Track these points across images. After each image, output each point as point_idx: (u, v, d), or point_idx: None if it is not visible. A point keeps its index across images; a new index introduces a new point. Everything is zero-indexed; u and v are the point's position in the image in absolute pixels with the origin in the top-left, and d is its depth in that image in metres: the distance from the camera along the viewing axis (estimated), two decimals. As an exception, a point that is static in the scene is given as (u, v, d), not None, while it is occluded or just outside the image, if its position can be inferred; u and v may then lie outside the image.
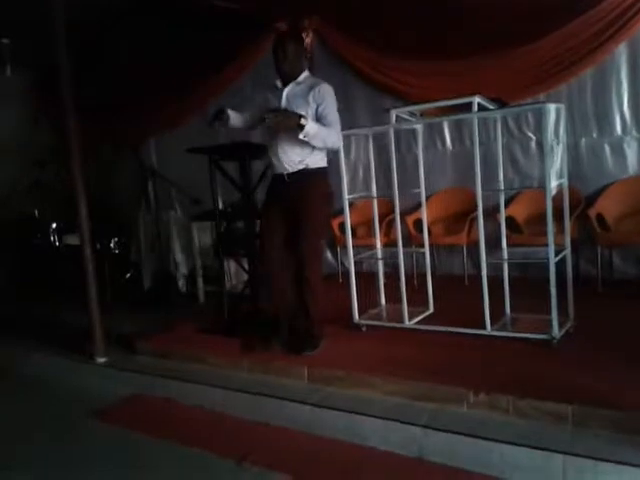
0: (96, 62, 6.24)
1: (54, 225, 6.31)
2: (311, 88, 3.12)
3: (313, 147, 3.11)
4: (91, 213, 3.86)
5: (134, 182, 6.38)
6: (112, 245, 5.95)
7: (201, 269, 5.34)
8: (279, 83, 3.24)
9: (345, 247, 5.40)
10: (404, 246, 3.57)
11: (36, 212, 6.55)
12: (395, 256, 3.56)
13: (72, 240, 6.08)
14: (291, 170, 3.17)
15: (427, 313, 3.61)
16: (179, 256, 5.52)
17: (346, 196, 3.54)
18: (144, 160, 6.62)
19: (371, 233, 4.26)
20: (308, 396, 2.89)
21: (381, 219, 4.27)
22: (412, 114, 3.57)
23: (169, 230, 5.56)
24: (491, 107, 3.22)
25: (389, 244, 4.21)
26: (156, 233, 5.54)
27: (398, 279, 3.52)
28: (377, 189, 3.78)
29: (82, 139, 3.85)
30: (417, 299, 3.70)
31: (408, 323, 3.42)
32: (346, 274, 5.35)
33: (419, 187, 3.68)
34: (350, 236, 3.64)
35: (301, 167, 3.15)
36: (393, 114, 3.39)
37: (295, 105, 3.10)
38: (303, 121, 2.96)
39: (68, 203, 5.95)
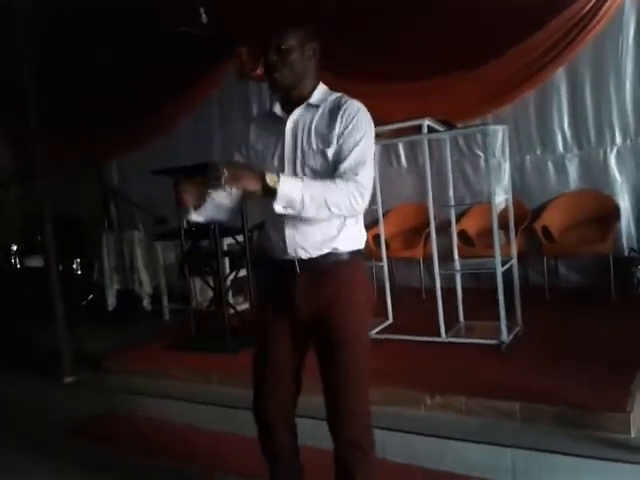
0: (57, 78, 6.26)
1: (14, 247, 6.28)
2: (334, 111, 1.77)
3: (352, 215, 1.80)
4: (54, 234, 3.92)
5: (96, 202, 6.41)
6: (74, 266, 5.96)
7: (166, 287, 5.41)
8: (278, 108, 1.87)
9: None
10: (364, 260, 3.75)
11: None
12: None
13: (33, 262, 6.07)
14: (306, 256, 1.82)
15: (387, 323, 3.80)
16: (143, 275, 5.57)
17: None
18: (105, 180, 6.67)
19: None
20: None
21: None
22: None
23: (133, 249, 5.61)
24: (440, 129, 3.46)
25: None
26: (120, 252, 5.61)
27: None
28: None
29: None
30: (377, 310, 3.87)
31: (369, 333, 3.59)
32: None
33: (377, 204, 3.88)
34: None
35: (326, 251, 1.82)
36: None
37: (310, 143, 1.77)
38: (269, 179, 1.61)
39: (29, 224, 5.98)
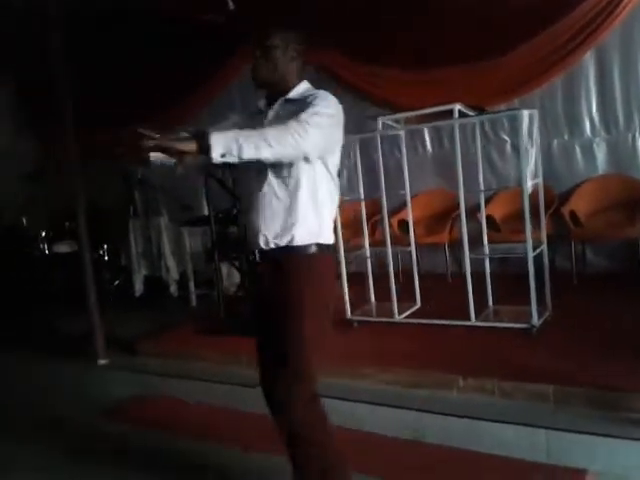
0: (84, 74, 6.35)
1: (43, 234, 6.39)
2: (305, 99, 1.87)
3: (316, 209, 1.89)
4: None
5: (122, 189, 6.49)
6: (103, 252, 6.06)
7: (192, 273, 5.49)
8: (262, 103, 2.02)
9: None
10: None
11: (24, 221, 6.61)
12: (382, 255, 3.77)
13: (61, 248, 6.18)
14: (266, 246, 1.91)
15: (415, 308, 3.83)
16: (170, 261, 5.65)
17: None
18: (130, 168, 6.74)
19: (356, 234, 4.45)
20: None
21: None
22: (396, 121, 3.80)
23: (160, 236, 5.68)
24: (470, 114, 3.46)
25: (373, 244, 4.41)
26: (147, 239, 5.70)
27: (384, 278, 3.73)
28: (360, 192, 3.99)
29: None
30: (404, 295, 3.91)
31: (398, 317, 3.63)
32: (336, 275, 5.59)
33: (402, 189, 3.90)
34: (341, 236, 3.83)
35: (284, 243, 1.89)
36: (380, 121, 3.60)
37: None
38: (201, 137, 1.65)
39: (58, 212, 6.08)
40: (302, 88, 1.95)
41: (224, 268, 5.15)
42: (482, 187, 3.61)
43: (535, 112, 3.46)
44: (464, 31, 4.38)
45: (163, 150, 1.68)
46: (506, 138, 4.90)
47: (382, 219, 3.72)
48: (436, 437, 2.59)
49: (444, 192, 4.93)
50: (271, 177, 1.87)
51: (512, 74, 4.59)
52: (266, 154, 1.69)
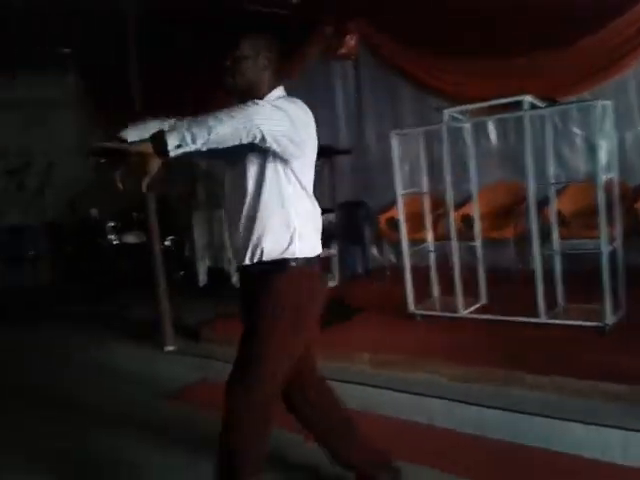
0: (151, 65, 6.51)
1: (112, 225, 6.65)
2: None
3: (283, 220, 1.87)
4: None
5: (185, 182, 6.66)
6: (168, 243, 6.25)
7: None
8: None
9: (392, 243, 5.66)
10: (449, 241, 3.74)
11: (95, 213, 6.90)
12: (444, 249, 3.73)
13: (130, 239, 6.42)
14: (241, 262, 1.93)
15: (480, 303, 3.77)
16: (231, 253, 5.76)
17: (400, 192, 3.73)
18: (194, 161, 6.92)
19: (416, 228, 4.42)
20: (371, 379, 3.09)
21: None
22: (461, 113, 3.74)
23: (222, 228, 5.81)
24: (540, 105, 3.36)
25: (436, 239, 4.36)
26: (210, 231, 5.84)
27: (445, 273, 3.69)
28: (425, 185, 3.95)
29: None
30: (467, 291, 3.85)
31: (462, 313, 3.59)
32: (393, 269, 5.58)
33: (464, 183, 3.84)
34: (404, 230, 3.81)
35: (256, 258, 1.88)
36: (446, 114, 3.56)
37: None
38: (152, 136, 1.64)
39: (126, 204, 6.31)
40: (274, 96, 1.90)
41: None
42: (552, 180, 3.50)
43: (609, 103, 3.34)
44: (533, 20, 4.25)
45: (119, 156, 1.65)
46: (576, 131, 4.74)
47: (446, 213, 3.67)
48: (500, 433, 2.55)
49: (509, 186, 4.82)
50: (240, 185, 1.86)
51: (582, 65, 4.43)
52: (219, 130, 1.62)
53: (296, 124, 1.79)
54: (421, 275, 4.01)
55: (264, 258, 1.87)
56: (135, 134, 1.80)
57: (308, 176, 1.94)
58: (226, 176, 1.98)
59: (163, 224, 6.25)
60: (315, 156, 1.97)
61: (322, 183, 4.26)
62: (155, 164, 1.62)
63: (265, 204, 1.85)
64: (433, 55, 5.03)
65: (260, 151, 1.80)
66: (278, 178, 1.85)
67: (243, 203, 1.87)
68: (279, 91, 1.95)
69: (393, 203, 5.06)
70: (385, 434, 2.71)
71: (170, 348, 4.07)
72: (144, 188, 1.68)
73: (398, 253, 5.31)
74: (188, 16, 5.82)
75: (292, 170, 1.86)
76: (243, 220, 1.88)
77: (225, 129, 1.64)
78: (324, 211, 4.42)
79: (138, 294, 5.21)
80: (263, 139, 1.72)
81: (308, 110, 1.89)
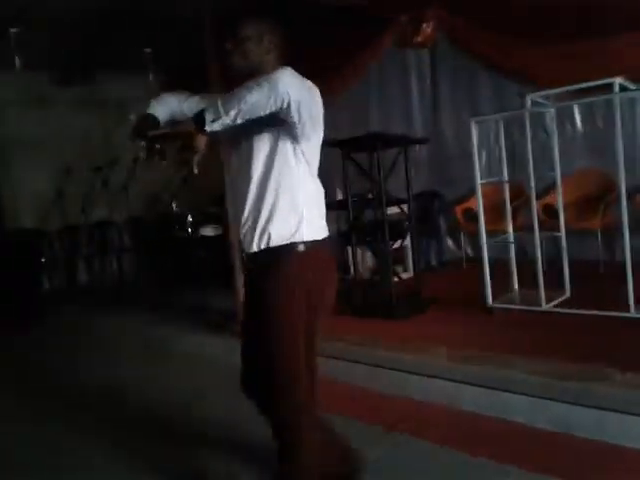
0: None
1: (190, 218, 6.87)
2: None
3: (290, 200, 1.83)
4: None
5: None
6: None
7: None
8: None
9: (468, 233, 5.53)
10: (529, 232, 3.60)
11: (174, 206, 7.16)
12: (524, 240, 3.59)
13: (207, 232, 6.62)
14: (249, 249, 1.87)
15: (563, 297, 3.61)
16: (306, 245, 5.80)
17: (479, 181, 3.62)
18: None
19: (495, 219, 4.28)
20: (449, 373, 3.03)
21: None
22: (545, 97, 3.58)
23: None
24: (632, 88, 3.16)
25: (515, 231, 4.22)
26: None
27: (525, 265, 3.55)
28: (505, 174, 3.82)
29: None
30: (549, 284, 3.69)
31: (545, 306, 3.45)
32: (470, 260, 5.45)
33: (547, 171, 3.68)
34: (482, 221, 3.71)
35: (263, 244, 1.83)
36: (528, 99, 3.41)
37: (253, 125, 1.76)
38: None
39: (204, 198, 6.52)
40: None
41: (358, 252, 5.22)
42: (645, 167, 3.29)
43: None
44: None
45: (166, 139, 1.72)
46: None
47: (529, 203, 3.53)
48: (588, 432, 2.44)
49: (597, 173, 4.58)
50: (247, 166, 1.82)
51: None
52: (248, 99, 1.62)
53: (313, 95, 1.75)
54: (500, 267, 3.89)
55: (271, 244, 1.82)
56: (161, 110, 1.88)
57: (316, 158, 1.89)
58: (231, 158, 1.92)
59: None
60: (321, 139, 1.88)
61: (397, 173, 4.20)
62: (201, 142, 1.67)
63: (274, 186, 1.80)
64: (513, 39, 4.83)
65: (273, 128, 1.77)
66: (288, 159, 1.81)
67: (250, 185, 1.82)
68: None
69: (470, 193, 4.95)
70: (462, 429, 2.67)
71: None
72: (195, 166, 1.74)
73: (475, 245, 5.18)
74: (264, 14, 5.90)
75: (302, 151, 1.81)
76: (249, 203, 1.83)
77: (254, 97, 1.62)
78: (398, 201, 4.44)
79: (216, 285, 5.37)
80: (288, 106, 1.67)
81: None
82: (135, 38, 5.26)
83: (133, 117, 1.85)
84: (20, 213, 6.93)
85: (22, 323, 5.69)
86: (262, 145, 1.81)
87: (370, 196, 4.41)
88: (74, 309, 6.11)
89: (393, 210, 4.54)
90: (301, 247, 1.82)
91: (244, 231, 1.86)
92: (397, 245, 4.51)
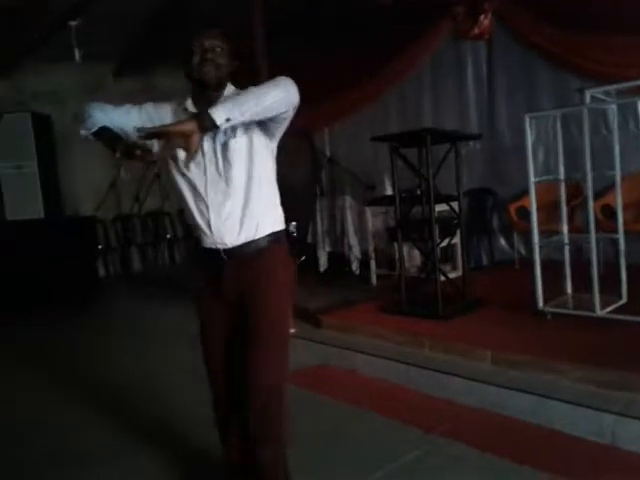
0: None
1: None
2: None
3: (272, 199, 2.01)
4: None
5: (309, 169, 6.77)
6: (291, 229, 6.39)
7: (373, 252, 5.55)
8: (189, 104, 1.95)
9: (522, 233, 5.34)
10: (589, 232, 3.43)
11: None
12: (580, 242, 3.43)
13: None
14: (230, 244, 1.96)
15: (620, 303, 3.43)
16: (353, 239, 5.78)
17: (532, 179, 3.48)
18: (319, 148, 7.02)
19: (549, 219, 4.12)
20: (492, 377, 2.94)
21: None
22: (606, 93, 3.40)
23: (344, 214, 5.84)
24: None
25: (572, 231, 4.04)
26: (331, 217, 5.90)
27: (580, 268, 3.39)
28: (562, 172, 3.66)
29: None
30: (605, 288, 3.52)
31: (600, 312, 3.29)
32: (522, 261, 5.27)
33: (606, 170, 3.49)
34: (535, 220, 3.57)
35: (248, 238, 1.95)
36: (587, 94, 3.25)
37: (222, 136, 1.89)
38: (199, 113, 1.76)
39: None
40: (230, 89, 1.96)
41: (405, 249, 5.14)
42: None
43: None
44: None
45: (165, 137, 1.73)
46: None
47: (585, 203, 3.37)
48: (637, 445, 2.31)
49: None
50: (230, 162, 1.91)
51: None
52: (266, 101, 1.74)
53: None
54: (553, 270, 3.74)
55: (258, 235, 1.95)
56: (105, 121, 1.93)
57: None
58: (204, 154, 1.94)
59: (287, 210, 6.45)
60: None
61: (448, 169, 4.09)
62: (197, 140, 1.72)
63: (258, 180, 1.93)
64: (575, 31, 4.63)
65: (257, 125, 1.88)
66: (268, 154, 1.97)
67: (232, 180, 1.91)
68: (231, 86, 1.97)
69: (525, 191, 4.77)
70: (503, 435, 2.58)
71: (291, 331, 4.15)
72: (187, 162, 1.89)
73: (529, 245, 5.01)
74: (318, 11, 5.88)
75: (272, 148, 1.99)
76: (234, 197, 1.92)
77: (270, 99, 1.75)
78: (447, 198, 4.33)
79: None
80: (292, 109, 1.84)
81: None
82: (187, 32, 5.34)
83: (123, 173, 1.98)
84: (78, 201, 7.19)
85: (77, 308, 5.91)
86: (243, 140, 1.90)
87: (418, 192, 4.32)
88: (127, 295, 6.30)
89: (443, 207, 4.44)
90: (282, 239, 2.04)
91: (228, 225, 1.93)
92: (445, 243, 4.40)
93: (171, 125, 1.74)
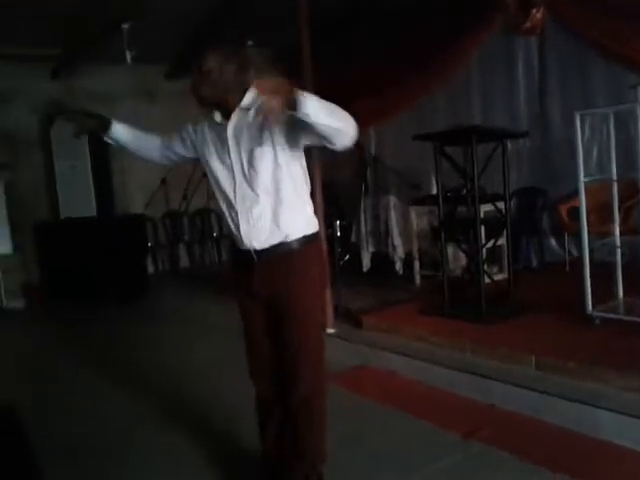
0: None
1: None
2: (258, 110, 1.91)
3: (301, 202, 2.05)
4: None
5: (354, 168, 6.75)
6: (336, 228, 6.38)
7: (417, 253, 5.48)
8: (218, 116, 2.07)
9: (573, 234, 5.15)
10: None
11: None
12: (634, 244, 3.28)
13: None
14: (260, 246, 2.02)
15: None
16: (397, 239, 5.72)
17: (582, 179, 3.35)
18: (364, 147, 6.98)
19: (602, 220, 3.95)
20: (535, 383, 2.85)
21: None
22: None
23: (388, 214, 5.79)
24: None
25: (626, 233, 3.87)
26: (376, 217, 5.86)
27: (634, 271, 3.24)
28: (614, 172, 3.51)
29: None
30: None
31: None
32: (573, 263, 5.09)
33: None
34: (585, 222, 3.43)
35: (277, 241, 2.00)
36: (640, 91, 3.10)
37: (249, 144, 1.98)
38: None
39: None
40: (251, 95, 2.00)
41: (450, 249, 5.04)
42: None
43: None
44: None
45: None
46: None
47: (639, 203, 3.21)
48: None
49: None
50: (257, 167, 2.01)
51: None
52: (339, 124, 1.79)
53: None
54: (606, 273, 3.58)
55: (288, 238, 2.00)
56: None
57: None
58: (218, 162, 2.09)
59: (332, 209, 6.44)
60: None
61: (496, 168, 3.99)
62: (279, 105, 1.70)
63: (285, 185, 1.99)
64: (631, 24, 4.41)
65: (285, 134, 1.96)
66: (294, 158, 2.01)
67: (258, 186, 1.98)
68: (253, 92, 1.97)
69: (577, 191, 4.60)
70: (544, 443, 2.50)
71: (331, 331, 4.16)
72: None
73: (581, 247, 4.83)
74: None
75: (299, 153, 2.04)
76: (262, 203, 1.98)
77: (341, 126, 1.79)
78: (494, 197, 4.22)
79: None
80: (338, 146, 1.87)
81: None
82: (236, 32, 5.40)
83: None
84: (129, 200, 7.40)
85: (125, 302, 6.08)
86: (265, 149, 1.97)
87: (464, 192, 4.23)
88: (174, 292, 6.44)
89: (489, 207, 4.33)
90: (314, 238, 2.10)
91: (258, 228, 1.99)
92: (491, 244, 4.29)
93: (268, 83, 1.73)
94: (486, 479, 2.32)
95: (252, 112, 1.98)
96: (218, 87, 1.98)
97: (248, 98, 2.01)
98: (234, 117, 2.03)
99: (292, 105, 1.69)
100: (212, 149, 2.09)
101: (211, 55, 1.99)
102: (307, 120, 1.72)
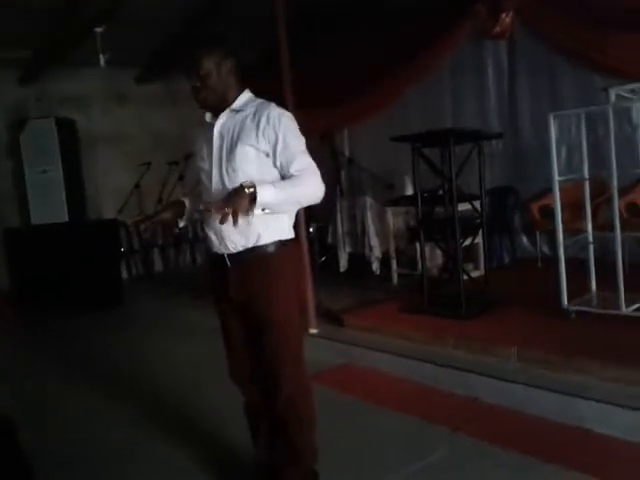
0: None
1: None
2: (255, 116, 1.98)
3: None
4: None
5: (328, 169, 6.80)
6: (311, 230, 6.42)
7: (394, 252, 5.56)
8: (208, 115, 2.11)
9: (544, 232, 5.31)
10: (611, 232, 3.41)
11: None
12: (603, 240, 3.41)
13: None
14: (235, 250, 2.02)
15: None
16: (374, 240, 5.79)
17: (556, 178, 3.47)
18: (338, 148, 7.04)
19: (574, 217, 4.09)
20: (517, 376, 2.93)
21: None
22: (631, 91, 3.38)
23: (364, 214, 5.85)
24: None
25: (596, 229, 4.01)
26: (352, 217, 5.91)
27: (604, 266, 3.37)
28: (586, 171, 3.64)
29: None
30: (631, 286, 3.49)
31: (625, 310, 3.26)
32: (545, 260, 5.24)
33: (631, 168, 3.47)
34: (560, 219, 3.55)
35: (250, 244, 2.00)
36: (612, 93, 3.24)
37: (232, 143, 1.99)
38: (247, 191, 1.79)
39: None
40: (245, 97, 2.07)
41: (427, 248, 5.13)
42: None
43: None
44: None
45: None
46: None
47: (610, 201, 3.34)
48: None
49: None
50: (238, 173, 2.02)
51: None
52: (294, 208, 2.04)
53: None
54: (577, 268, 3.71)
55: (261, 242, 1.99)
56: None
57: None
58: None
59: (308, 211, 6.48)
60: None
61: (470, 169, 4.09)
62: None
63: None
64: (597, 28, 4.57)
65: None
66: (270, 164, 1.99)
67: (237, 183, 1.92)
68: (247, 94, 2.08)
69: (548, 190, 4.74)
70: (530, 434, 2.58)
71: (314, 331, 4.19)
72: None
73: (552, 243, 4.97)
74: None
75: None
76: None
77: (303, 201, 2.01)
78: (470, 197, 4.32)
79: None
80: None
81: None
82: (210, 36, 5.40)
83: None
84: (101, 205, 7.29)
85: (100, 309, 5.99)
86: (242, 151, 1.99)
87: (440, 192, 4.32)
88: (150, 297, 6.38)
89: (464, 206, 4.43)
90: (288, 243, 2.08)
91: (233, 231, 1.95)
92: (467, 242, 4.39)
93: (217, 205, 1.81)
94: (473, 471, 2.36)
95: (242, 115, 2.01)
96: (217, 89, 2.02)
97: (241, 100, 2.04)
98: (222, 117, 2.04)
99: (251, 204, 1.80)
100: (202, 148, 2.11)
101: (205, 58, 1.98)
102: (269, 208, 1.87)
